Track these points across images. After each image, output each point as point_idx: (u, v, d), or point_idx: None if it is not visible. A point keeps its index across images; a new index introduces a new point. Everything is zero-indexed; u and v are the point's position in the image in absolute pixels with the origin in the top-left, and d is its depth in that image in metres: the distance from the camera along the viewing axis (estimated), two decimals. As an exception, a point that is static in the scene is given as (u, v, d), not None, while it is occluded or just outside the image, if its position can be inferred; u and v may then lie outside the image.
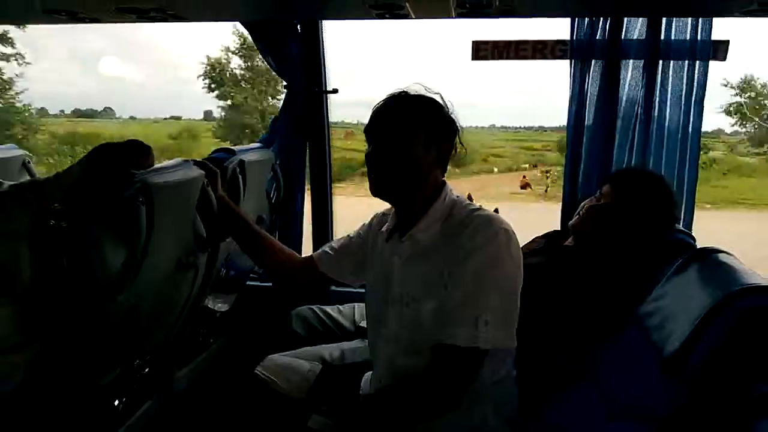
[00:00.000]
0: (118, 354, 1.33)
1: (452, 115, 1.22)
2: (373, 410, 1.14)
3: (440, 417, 1.11)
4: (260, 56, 2.09)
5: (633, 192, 1.58)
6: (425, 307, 1.15)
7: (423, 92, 1.20)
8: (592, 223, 1.62)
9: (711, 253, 1.24)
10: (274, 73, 2.09)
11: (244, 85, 12.53)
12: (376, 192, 1.21)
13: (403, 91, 1.20)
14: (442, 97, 1.22)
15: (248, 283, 2.20)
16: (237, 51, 12.28)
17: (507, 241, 1.12)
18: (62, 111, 15.16)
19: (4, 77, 11.73)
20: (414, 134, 1.16)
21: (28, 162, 1.86)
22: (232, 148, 1.73)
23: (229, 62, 12.57)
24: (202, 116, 14.54)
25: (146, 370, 1.49)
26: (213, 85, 12.57)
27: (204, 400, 1.87)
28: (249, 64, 12.36)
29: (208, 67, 12.45)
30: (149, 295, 1.32)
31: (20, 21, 2.23)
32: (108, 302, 1.17)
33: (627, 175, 1.69)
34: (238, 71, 12.60)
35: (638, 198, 1.57)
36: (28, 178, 1.85)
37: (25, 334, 1.17)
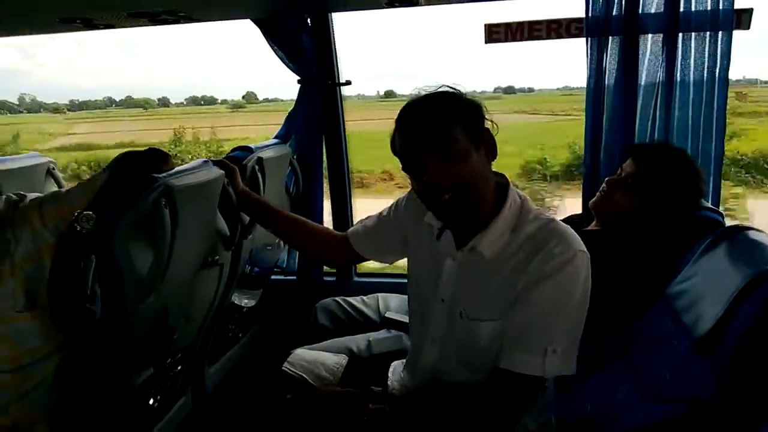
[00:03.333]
0: (149, 354, 1.36)
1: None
2: (426, 410, 1.09)
3: None
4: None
5: (656, 165, 1.53)
6: (485, 324, 1.08)
7: (444, 90, 1.06)
8: (615, 199, 1.58)
9: (741, 230, 1.20)
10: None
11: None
12: (447, 220, 1.12)
13: (426, 96, 1.06)
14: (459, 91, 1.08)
15: (273, 277, 2.22)
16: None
17: (582, 266, 1.03)
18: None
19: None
20: (458, 138, 1.02)
21: (53, 169, 1.90)
22: (250, 146, 1.74)
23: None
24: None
25: (178, 368, 1.52)
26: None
27: (235, 395, 1.91)
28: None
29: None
30: (177, 295, 1.34)
31: (38, 30, 2.26)
32: (138, 304, 1.19)
33: (648, 148, 1.64)
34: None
35: (662, 170, 1.52)
36: (54, 185, 1.89)
37: (56, 343, 1.20)
